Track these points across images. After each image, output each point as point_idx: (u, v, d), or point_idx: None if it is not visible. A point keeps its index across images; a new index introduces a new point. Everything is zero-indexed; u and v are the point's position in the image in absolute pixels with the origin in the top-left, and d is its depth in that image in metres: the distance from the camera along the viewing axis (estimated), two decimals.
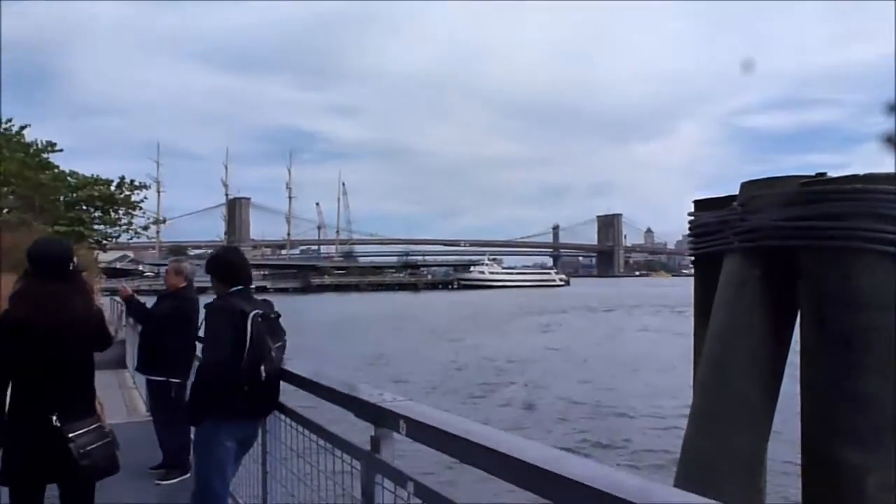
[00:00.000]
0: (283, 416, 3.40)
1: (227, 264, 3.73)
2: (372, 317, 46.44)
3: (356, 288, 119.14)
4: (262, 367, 3.31)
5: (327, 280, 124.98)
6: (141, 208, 25.61)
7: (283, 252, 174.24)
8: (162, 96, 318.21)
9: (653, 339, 30.76)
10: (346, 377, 2.94)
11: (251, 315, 3.38)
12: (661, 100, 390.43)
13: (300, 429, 3.16)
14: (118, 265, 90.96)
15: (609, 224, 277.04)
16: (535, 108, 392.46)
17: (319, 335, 31.73)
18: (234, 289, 3.61)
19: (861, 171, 4.33)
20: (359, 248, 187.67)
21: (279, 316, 3.59)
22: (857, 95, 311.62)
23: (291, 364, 3.49)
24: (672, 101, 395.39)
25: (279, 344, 3.47)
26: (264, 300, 3.69)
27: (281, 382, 3.45)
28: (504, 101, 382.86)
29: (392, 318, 45.20)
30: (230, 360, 3.32)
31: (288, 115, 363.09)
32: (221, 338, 3.37)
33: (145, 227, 28.22)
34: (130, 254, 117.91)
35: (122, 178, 24.46)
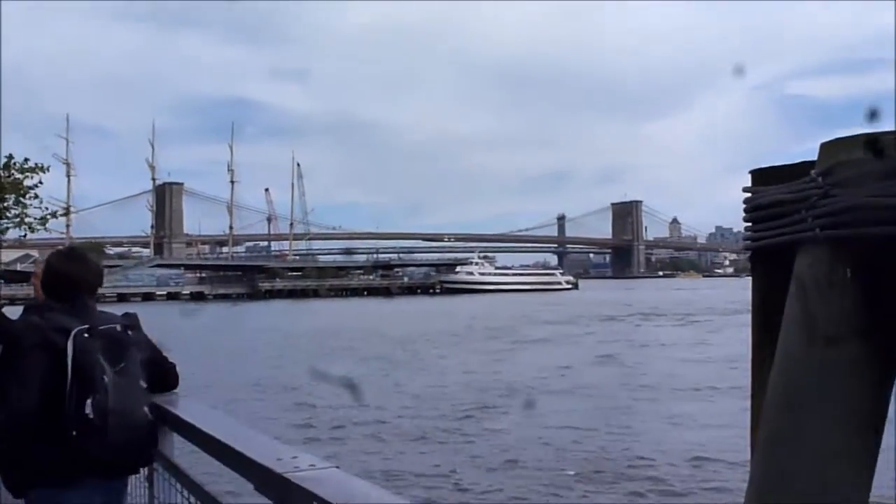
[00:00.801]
0: (169, 476, 3.22)
1: (49, 272, 3.58)
2: (329, 330, 45.90)
3: (315, 293, 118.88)
4: (90, 403, 3.12)
5: (279, 284, 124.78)
6: (36, 196, 24.62)
7: (225, 250, 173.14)
8: (68, 61, 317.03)
9: (687, 357, 30.26)
10: (251, 426, 2.71)
11: (73, 333, 3.20)
12: (685, 64, 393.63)
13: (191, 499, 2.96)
14: (19, 266, 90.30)
15: (626, 214, 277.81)
16: (530, 75, 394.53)
17: (244, 357, 31.31)
18: (62, 303, 3.44)
19: None
20: (318, 245, 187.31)
21: (130, 328, 3.43)
22: None
23: (178, 402, 3.36)
24: (699, 66, 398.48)
25: (121, 366, 3.26)
26: (126, 313, 3.56)
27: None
28: (490, 65, 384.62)
29: (354, 331, 44.66)
30: (45, 401, 3.12)
31: (224, 80, 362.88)
32: (26, 373, 3.16)
33: (42, 220, 27.23)
34: (35, 253, 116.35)
35: (10, 157, 23.53)
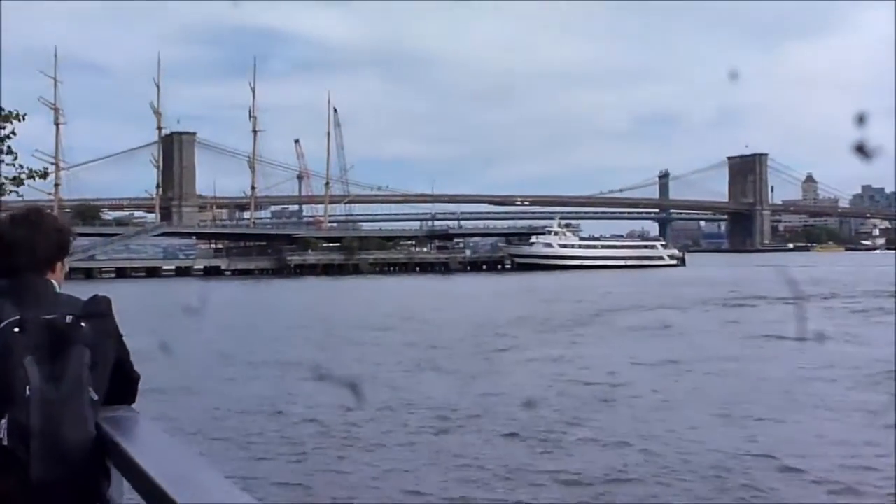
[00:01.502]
0: None
1: None
2: (363, 317, 46.23)
3: (356, 269, 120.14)
4: (4, 423, 2.94)
5: (312, 257, 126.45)
6: (10, 150, 24.81)
7: (246, 215, 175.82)
8: None
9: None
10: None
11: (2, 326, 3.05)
12: None
13: None
14: None
15: (748, 170, 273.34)
16: None
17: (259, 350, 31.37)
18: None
19: None
20: (360, 210, 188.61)
21: (86, 318, 3.15)
22: None
23: (123, 422, 3.10)
24: None
25: (57, 372, 3.02)
26: (93, 297, 3.30)
27: None
28: None
29: (395, 318, 44.88)
30: None
31: (245, 3, 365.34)
32: None
33: (17, 181, 27.51)
34: None
35: None
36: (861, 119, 6.10)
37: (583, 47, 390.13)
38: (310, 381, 24.43)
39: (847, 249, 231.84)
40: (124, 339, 3.35)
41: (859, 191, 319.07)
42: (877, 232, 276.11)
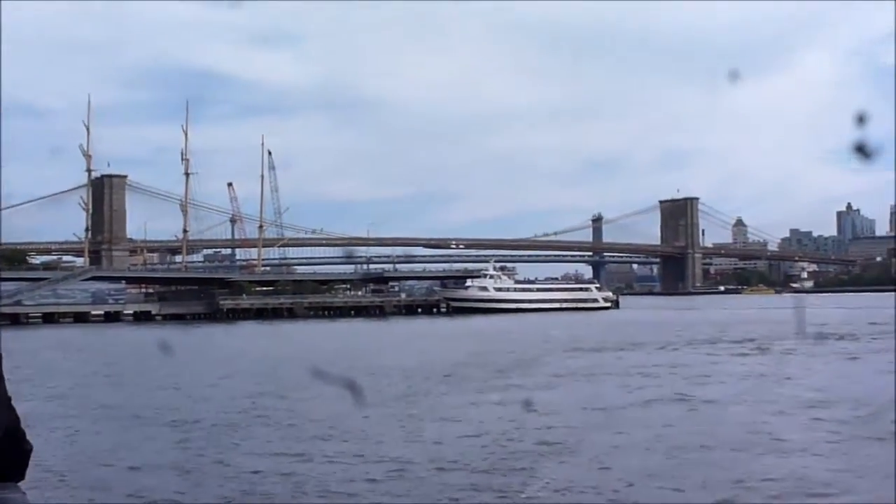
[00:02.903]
0: None
1: None
2: (288, 359, 45.30)
3: (290, 313, 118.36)
4: None
5: (245, 302, 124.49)
6: None
7: (178, 259, 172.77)
8: None
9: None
10: None
11: None
12: (768, 16, 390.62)
13: None
14: None
15: (679, 213, 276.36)
16: (569, 31, 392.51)
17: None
18: None
19: None
20: (295, 253, 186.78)
21: None
22: None
23: None
24: (786, 19, 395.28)
25: None
26: None
27: None
28: (521, 20, 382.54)
29: (328, 362, 43.99)
30: None
31: (185, 44, 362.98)
32: None
33: None
34: None
35: None
36: (861, 119, 6.57)
37: (524, 90, 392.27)
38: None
39: (777, 291, 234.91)
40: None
41: (787, 234, 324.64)
42: (805, 275, 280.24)
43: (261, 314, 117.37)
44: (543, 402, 27.89)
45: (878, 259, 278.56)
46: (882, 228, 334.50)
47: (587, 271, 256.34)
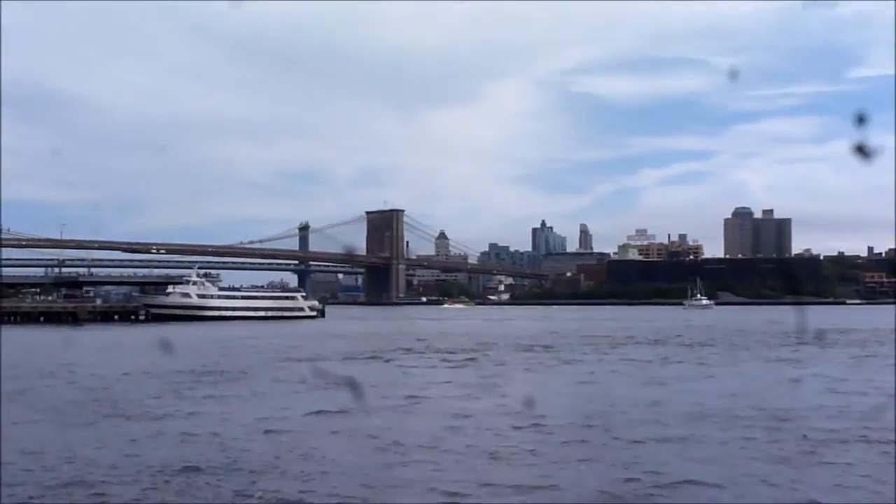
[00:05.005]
0: None
1: None
2: None
3: None
4: None
5: None
6: None
7: None
8: None
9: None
10: None
11: None
12: (465, 47, 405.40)
13: None
14: None
15: (385, 225, 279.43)
16: (279, 47, 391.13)
17: None
18: None
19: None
20: None
21: None
22: (728, 58, 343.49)
23: None
24: (482, 51, 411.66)
25: None
26: None
27: None
28: (232, 34, 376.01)
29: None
30: None
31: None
32: None
33: None
34: None
35: None
36: (861, 119, 6.43)
37: (230, 100, 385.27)
38: None
39: (477, 303, 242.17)
40: None
41: (487, 248, 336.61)
42: (502, 287, 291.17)
43: None
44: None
45: (568, 274, 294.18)
46: (572, 245, 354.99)
47: (293, 280, 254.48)
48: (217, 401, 30.57)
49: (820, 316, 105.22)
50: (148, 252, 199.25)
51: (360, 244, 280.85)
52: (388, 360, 50.53)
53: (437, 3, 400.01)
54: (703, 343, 65.11)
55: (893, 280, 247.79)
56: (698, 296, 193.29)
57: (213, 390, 33.90)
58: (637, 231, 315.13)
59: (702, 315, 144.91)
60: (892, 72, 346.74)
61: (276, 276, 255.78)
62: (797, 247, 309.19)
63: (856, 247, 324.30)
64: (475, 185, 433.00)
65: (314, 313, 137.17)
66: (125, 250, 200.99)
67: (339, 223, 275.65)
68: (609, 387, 34.79)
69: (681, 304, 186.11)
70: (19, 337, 77.37)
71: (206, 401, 30.56)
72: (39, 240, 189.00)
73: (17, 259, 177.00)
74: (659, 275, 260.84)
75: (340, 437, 22.87)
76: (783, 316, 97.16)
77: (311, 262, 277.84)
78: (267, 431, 23.33)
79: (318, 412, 26.66)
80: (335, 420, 25.27)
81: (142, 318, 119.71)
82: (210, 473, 17.80)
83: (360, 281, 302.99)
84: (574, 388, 35.57)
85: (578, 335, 75.58)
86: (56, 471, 18.35)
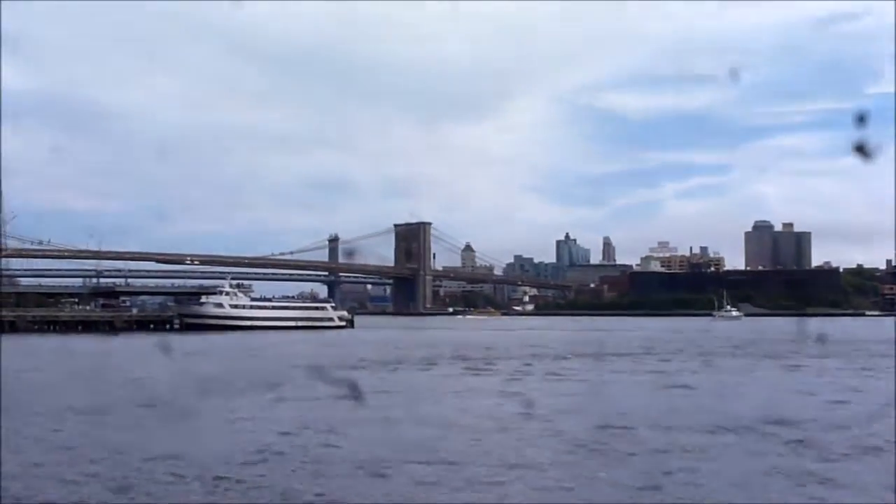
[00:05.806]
0: None
1: None
2: None
3: (13, 327, 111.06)
4: None
5: None
6: None
7: None
8: None
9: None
10: None
11: None
12: (489, 62, 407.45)
13: None
14: None
15: (412, 237, 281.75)
16: (308, 59, 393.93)
17: None
18: None
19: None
20: (18, 264, 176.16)
21: None
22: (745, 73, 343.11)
23: None
24: (505, 66, 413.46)
25: None
26: None
27: None
28: (260, 45, 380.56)
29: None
30: None
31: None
32: None
33: None
34: None
35: None
36: (861, 119, 6.70)
37: (264, 112, 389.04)
38: None
39: (503, 314, 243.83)
40: None
41: (512, 260, 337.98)
42: (527, 298, 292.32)
43: None
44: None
45: (592, 285, 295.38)
46: (596, 257, 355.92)
47: (322, 290, 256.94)
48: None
49: (845, 327, 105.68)
50: (182, 263, 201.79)
51: (388, 255, 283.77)
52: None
53: (462, 20, 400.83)
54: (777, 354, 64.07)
55: None
56: (727, 307, 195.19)
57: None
58: (659, 243, 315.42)
59: (737, 326, 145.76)
60: None
61: (306, 287, 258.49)
62: (817, 259, 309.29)
63: (874, 259, 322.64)
64: (499, 196, 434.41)
65: (344, 323, 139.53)
66: (160, 261, 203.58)
67: (368, 235, 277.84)
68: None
69: (709, 314, 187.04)
70: (63, 345, 79.98)
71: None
72: (77, 251, 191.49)
73: (56, 269, 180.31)
74: (681, 286, 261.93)
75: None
76: (813, 326, 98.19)
77: (341, 274, 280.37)
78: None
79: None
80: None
81: (177, 326, 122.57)
82: None
83: (388, 291, 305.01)
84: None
85: (636, 344, 78.02)
86: None
